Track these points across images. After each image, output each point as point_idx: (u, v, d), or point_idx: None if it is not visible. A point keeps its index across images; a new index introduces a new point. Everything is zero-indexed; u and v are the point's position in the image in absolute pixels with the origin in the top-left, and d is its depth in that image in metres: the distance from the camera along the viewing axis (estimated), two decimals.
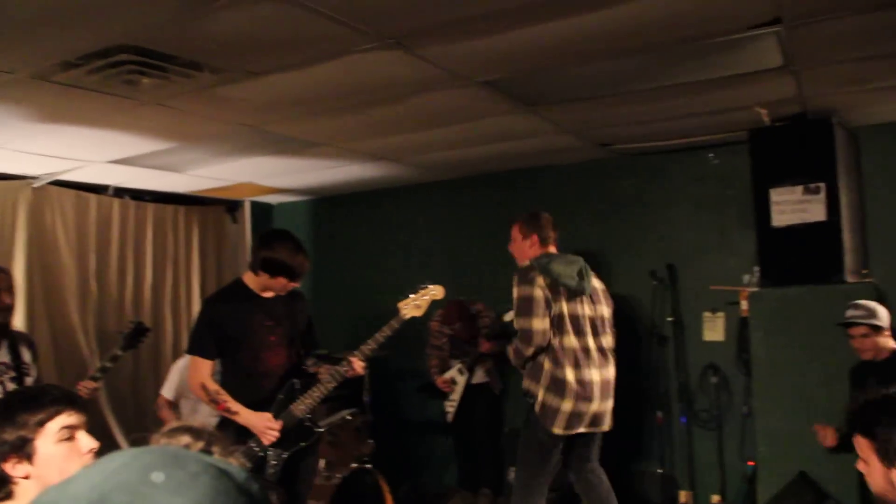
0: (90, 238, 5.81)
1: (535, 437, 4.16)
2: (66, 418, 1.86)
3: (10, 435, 1.79)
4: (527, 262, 4.28)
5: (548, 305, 4.10)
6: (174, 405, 5.02)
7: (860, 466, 1.88)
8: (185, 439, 1.24)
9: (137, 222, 6.18)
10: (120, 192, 6.03)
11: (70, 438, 1.86)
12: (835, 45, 3.43)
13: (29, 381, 3.71)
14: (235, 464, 0.69)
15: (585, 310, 4.21)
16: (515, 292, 4.17)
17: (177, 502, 0.61)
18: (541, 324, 4.08)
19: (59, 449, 1.84)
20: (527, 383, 4.21)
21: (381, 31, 2.97)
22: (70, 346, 5.58)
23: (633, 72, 3.74)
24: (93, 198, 5.83)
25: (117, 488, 0.61)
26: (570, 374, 4.08)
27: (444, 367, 5.85)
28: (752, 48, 3.40)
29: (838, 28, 3.20)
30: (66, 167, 5.09)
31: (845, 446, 3.89)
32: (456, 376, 5.76)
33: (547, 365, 4.12)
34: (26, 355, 3.75)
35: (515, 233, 4.44)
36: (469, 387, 5.75)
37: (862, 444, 1.84)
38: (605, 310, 4.36)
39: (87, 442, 1.89)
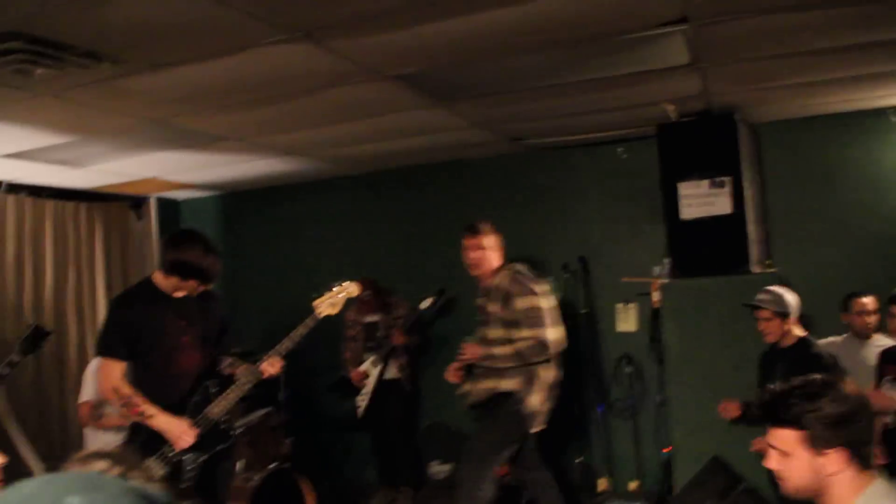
0: None
1: (509, 434, 4.20)
2: None
3: None
4: (499, 271, 4.28)
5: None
6: (97, 407, 4.82)
7: (773, 463, 1.81)
8: (101, 465, 1.16)
9: (35, 220, 5.89)
10: (15, 188, 5.73)
11: None
12: (739, 44, 3.53)
13: None
14: (157, 488, 0.65)
15: None
16: (518, 303, 4.15)
17: None
18: (556, 333, 4.18)
19: None
20: (510, 384, 4.17)
21: (291, 23, 2.90)
22: None
23: (544, 67, 3.76)
24: None
25: None
26: (556, 376, 4.29)
27: (359, 360, 5.79)
28: (660, 46, 3.46)
29: (743, 28, 3.29)
30: None
31: (746, 417, 4.04)
32: (369, 369, 5.71)
33: (542, 369, 4.19)
34: None
35: (491, 239, 4.32)
36: (381, 383, 5.69)
37: (783, 435, 1.77)
38: None
39: None
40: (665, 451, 5.13)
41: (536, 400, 4.20)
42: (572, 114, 4.72)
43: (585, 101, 4.42)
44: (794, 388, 1.78)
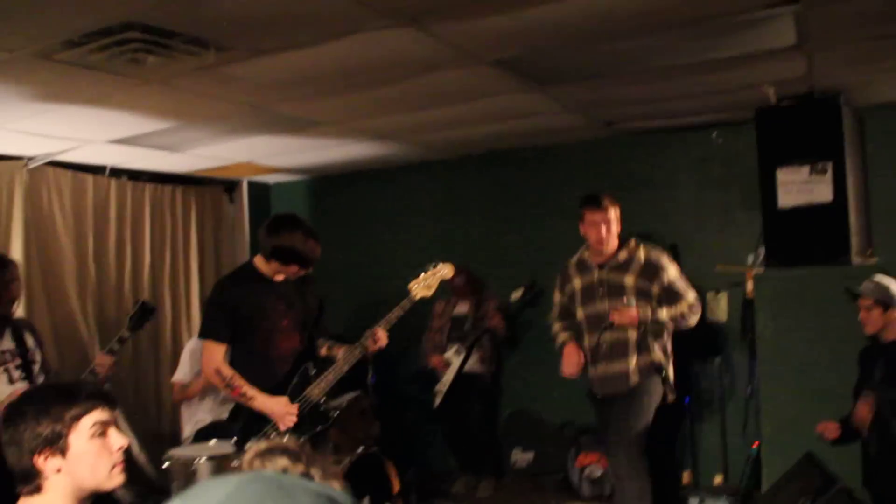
0: (87, 220, 5.73)
1: (652, 406, 4.21)
2: (100, 414, 1.85)
3: (45, 428, 1.77)
4: (622, 243, 4.24)
5: None
6: (184, 387, 5.00)
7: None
8: (283, 462, 1.18)
9: (135, 203, 6.10)
10: (116, 173, 5.95)
11: (102, 434, 1.85)
12: (850, 24, 3.40)
13: (35, 367, 3.66)
14: (338, 487, 0.65)
15: None
16: (670, 274, 4.19)
17: None
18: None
19: (92, 445, 1.82)
20: (657, 356, 4.20)
21: (394, 8, 2.92)
22: (69, 329, 5.52)
23: (643, 51, 3.69)
24: (90, 178, 5.75)
25: None
26: None
27: (440, 351, 5.80)
28: (768, 27, 3.36)
29: (855, 7, 3.17)
30: (63, 147, 5.01)
31: (847, 435, 3.92)
32: (452, 357, 5.71)
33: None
34: (30, 341, 3.70)
35: (616, 210, 4.20)
36: (461, 376, 5.68)
37: None
38: None
39: (117, 439, 1.87)
40: (754, 445, 5.02)
41: (671, 370, 4.27)
42: (668, 98, 4.63)
43: (683, 85, 4.33)
44: None
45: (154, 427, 6.07)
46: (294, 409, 3.54)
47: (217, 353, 3.55)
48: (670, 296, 4.18)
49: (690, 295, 4.21)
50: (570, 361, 4.27)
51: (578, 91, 4.40)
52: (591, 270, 4.28)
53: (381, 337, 3.68)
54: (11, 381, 3.62)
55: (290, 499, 0.61)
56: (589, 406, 4.51)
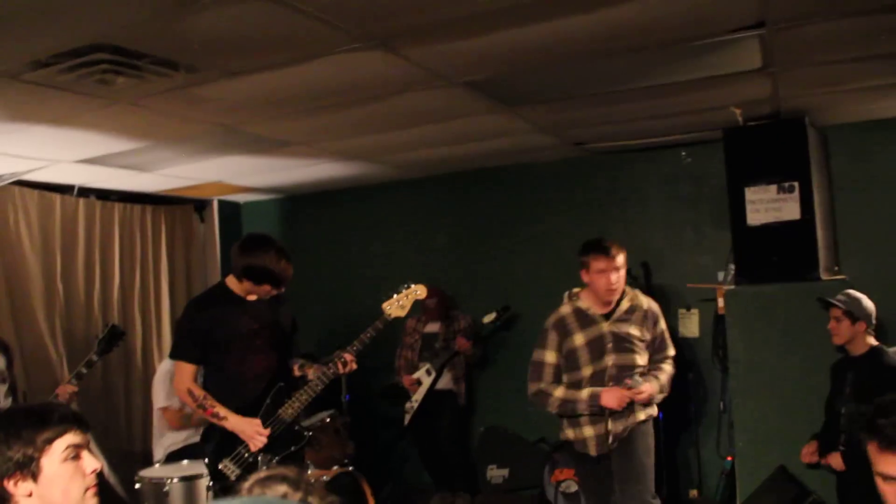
0: (55, 239, 5.66)
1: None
2: (73, 437, 1.83)
3: (16, 452, 1.75)
4: (625, 291, 4.02)
5: None
6: (182, 408, 4.92)
7: (885, 487, 1.81)
8: (282, 489, 1.18)
9: (103, 223, 6.04)
10: (85, 192, 5.88)
11: (75, 458, 1.83)
12: (814, 47, 3.46)
13: (3, 388, 3.61)
14: None
15: None
16: (661, 324, 4.10)
17: None
18: None
19: (65, 468, 1.80)
20: (651, 410, 4.06)
21: (366, 31, 2.92)
22: (37, 349, 5.44)
23: (613, 73, 3.74)
24: (57, 198, 5.69)
25: None
26: None
27: (412, 368, 5.81)
28: (733, 51, 3.41)
29: (819, 31, 3.22)
30: (30, 167, 4.94)
31: (824, 451, 3.97)
32: (423, 377, 5.72)
33: None
34: (0, 361, 3.64)
35: (624, 256, 3.99)
36: (432, 393, 5.69)
37: (889, 460, 1.80)
38: None
39: (90, 462, 1.85)
40: (728, 459, 5.05)
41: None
42: (637, 118, 4.68)
43: (651, 107, 4.38)
44: None
45: (124, 447, 5.99)
46: (265, 431, 3.51)
47: (188, 373, 3.54)
48: (659, 346, 4.08)
49: (671, 349, 4.14)
50: (617, 395, 3.84)
51: (548, 112, 4.44)
52: (596, 322, 3.96)
53: (349, 361, 3.68)
54: None
55: None
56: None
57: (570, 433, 4.04)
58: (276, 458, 3.58)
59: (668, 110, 4.53)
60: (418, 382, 5.71)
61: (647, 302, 4.08)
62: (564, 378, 4.00)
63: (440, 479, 5.90)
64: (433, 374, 5.69)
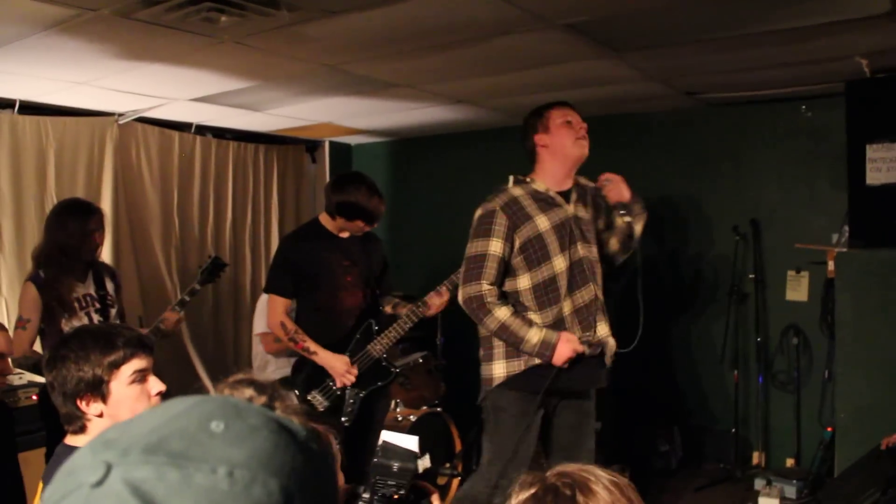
0: (173, 175, 5.94)
1: None
2: (139, 362, 1.92)
3: (86, 374, 1.85)
4: None
5: None
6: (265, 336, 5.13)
7: None
8: (249, 392, 1.24)
9: (218, 160, 6.29)
10: (202, 130, 6.13)
11: (142, 381, 1.92)
12: None
13: (112, 312, 3.84)
14: (297, 422, 0.69)
15: None
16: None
17: (233, 453, 0.60)
18: None
19: (131, 390, 1.90)
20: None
21: None
22: (153, 279, 5.77)
23: (730, 16, 3.54)
24: (176, 135, 5.95)
25: (176, 434, 0.61)
26: None
27: None
28: None
29: None
30: (149, 104, 5.19)
31: None
32: None
33: None
34: (109, 286, 3.88)
35: None
36: None
37: None
38: None
39: (155, 385, 1.95)
40: (828, 429, 4.85)
41: None
42: (754, 67, 4.44)
43: (769, 54, 4.14)
44: None
45: (232, 373, 6.29)
46: (354, 369, 3.62)
47: (281, 307, 3.67)
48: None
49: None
50: (570, 349, 3.08)
51: (656, 59, 4.27)
52: (558, 205, 3.22)
53: (443, 295, 3.70)
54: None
55: (240, 418, 0.64)
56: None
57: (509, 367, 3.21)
58: (363, 392, 3.69)
59: (788, 59, 4.26)
60: None
61: (579, 178, 3.38)
62: (528, 279, 3.15)
63: None
64: None
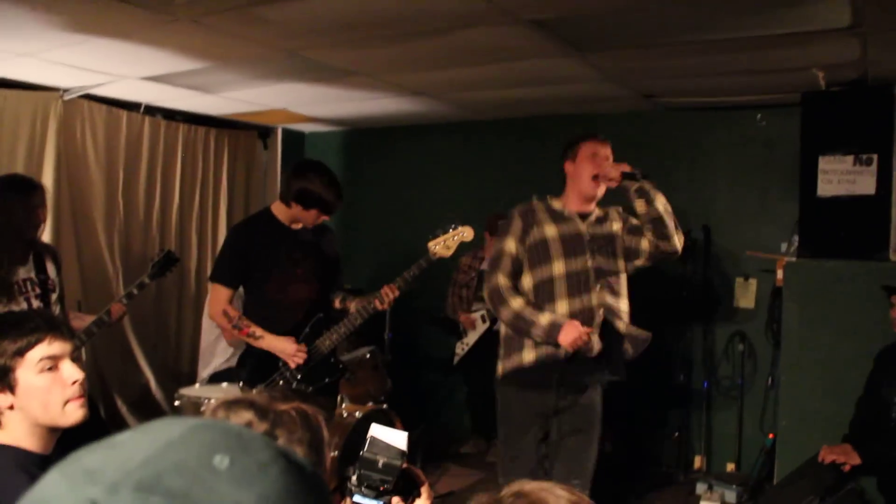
0: (119, 155, 5.74)
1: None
2: (48, 347, 1.75)
3: None
4: None
5: None
6: None
7: None
8: (248, 416, 1.12)
9: (167, 142, 6.10)
10: (151, 111, 5.94)
11: (52, 368, 1.76)
12: None
13: (53, 297, 3.69)
14: (300, 452, 0.60)
15: None
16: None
17: (241, 497, 0.52)
18: None
19: (41, 379, 1.74)
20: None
21: None
22: (95, 263, 5.57)
23: (691, 22, 3.55)
24: (124, 114, 5.75)
25: (174, 468, 0.52)
26: None
27: (467, 306, 5.77)
28: (821, 5, 3.20)
29: None
30: (97, 81, 5.00)
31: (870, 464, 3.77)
32: (478, 322, 5.68)
33: None
34: (51, 269, 3.71)
35: None
36: (490, 332, 5.67)
37: None
38: None
39: (70, 372, 1.78)
40: (770, 436, 4.92)
41: None
42: (713, 74, 4.47)
43: (729, 61, 4.17)
44: None
45: (172, 366, 6.14)
46: (303, 348, 3.52)
47: (224, 296, 3.57)
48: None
49: None
50: (575, 330, 3.27)
51: (617, 59, 4.27)
52: (571, 220, 3.50)
53: (394, 291, 3.63)
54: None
55: (245, 452, 0.56)
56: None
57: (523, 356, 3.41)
58: (311, 388, 3.60)
59: (747, 67, 4.30)
60: (474, 326, 5.70)
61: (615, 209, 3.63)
62: (530, 277, 3.43)
63: (480, 424, 5.90)
64: (487, 322, 5.65)
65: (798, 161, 4.60)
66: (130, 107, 5.78)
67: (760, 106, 5.15)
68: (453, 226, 3.75)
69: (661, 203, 3.46)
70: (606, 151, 3.53)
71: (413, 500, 1.77)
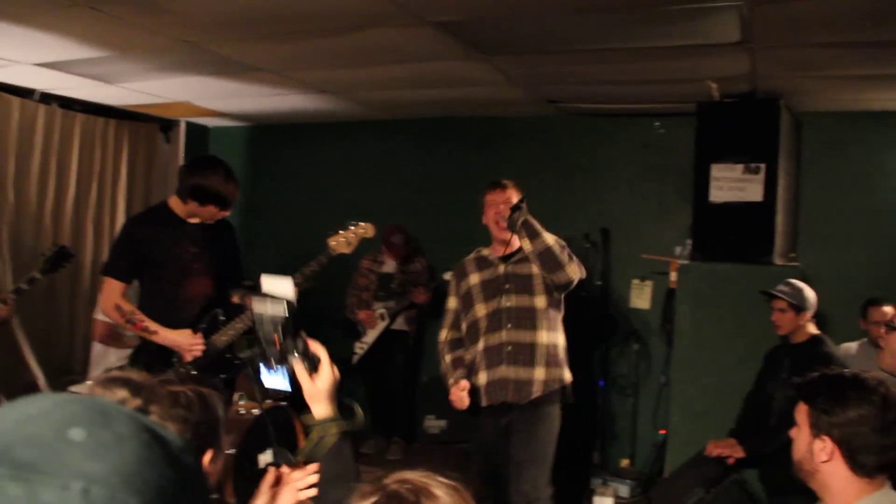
0: (10, 143, 5.48)
1: (555, 434, 3.95)
2: None
3: None
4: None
5: None
6: (117, 329, 4.84)
7: (793, 432, 1.88)
8: (122, 393, 1.12)
9: (64, 132, 5.87)
10: (47, 98, 5.71)
11: None
12: (794, 27, 3.41)
13: None
14: (173, 429, 0.60)
15: None
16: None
17: (92, 467, 0.52)
18: None
19: None
20: (567, 377, 3.95)
21: None
22: None
23: (592, 30, 3.66)
24: (16, 100, 5.50)
25: (26, 441, 0.52)
26: None
27: (367, 307, 5.77)
28: (712, 20, 3.35)
29: (800, 11, 3.17)
30: None
31: (752, 457, 3.97)
32: (377, 321, 5.70)
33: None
34: None
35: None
36: (386, 332, 5.69)
37: (801, 409, 1.85)
38: None
39: None
40: (661, 432, 5.11)
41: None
42: (613, 81, 4.62)
43: (628, 70, 4.31)
44: (832, 374, 1.85)
45: (64, 363, 5.91)
46: (199, 340, 3.46)
47: (117, 290, 3.48)
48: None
49: None
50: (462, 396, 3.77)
51: (521, 64, 4.35)
52: (493, 265, 3.88)
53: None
54: None
55: (106, 426, 0.55)
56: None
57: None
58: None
59: (644, 76, 4.46)
60: (374, 322, 5.71)
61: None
62: (465, 322, 3.91)
63: (379, 423, 5.91)
64: (387, 321, 5.67)
65: (692, 167, 4.79)
66: (24, 93, 5.53)
67: (658, 114, 5.34)
68: (354, 223, 3.75)
69: (548, 237, 3.68)
70: (504, 196, 3.81)
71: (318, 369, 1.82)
